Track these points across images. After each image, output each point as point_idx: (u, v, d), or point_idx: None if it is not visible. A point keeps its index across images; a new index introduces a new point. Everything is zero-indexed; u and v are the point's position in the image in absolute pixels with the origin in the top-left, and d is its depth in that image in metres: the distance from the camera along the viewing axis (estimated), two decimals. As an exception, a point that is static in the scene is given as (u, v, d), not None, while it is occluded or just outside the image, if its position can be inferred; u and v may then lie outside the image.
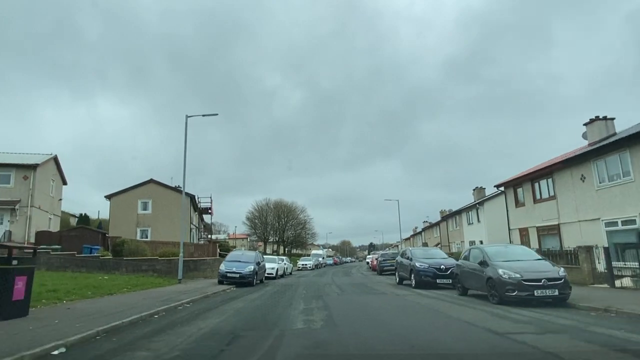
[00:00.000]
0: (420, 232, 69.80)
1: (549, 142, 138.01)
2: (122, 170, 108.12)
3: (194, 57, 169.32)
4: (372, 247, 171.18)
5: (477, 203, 35.49)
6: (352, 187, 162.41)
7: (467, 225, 38.25)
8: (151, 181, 34.69)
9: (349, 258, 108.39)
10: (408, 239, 79.04)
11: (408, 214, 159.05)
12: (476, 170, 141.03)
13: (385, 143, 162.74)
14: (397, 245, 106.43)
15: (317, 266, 46.18)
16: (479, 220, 35.13)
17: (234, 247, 64.26)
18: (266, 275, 22.38)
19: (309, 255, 60.03)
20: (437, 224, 55.95)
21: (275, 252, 70.49)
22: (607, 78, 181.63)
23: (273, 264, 25.52)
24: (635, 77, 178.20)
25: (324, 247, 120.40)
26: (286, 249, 79.94)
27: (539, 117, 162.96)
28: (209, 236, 49.24)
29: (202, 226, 45.68)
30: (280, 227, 76.79)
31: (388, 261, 28.06)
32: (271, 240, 78.94)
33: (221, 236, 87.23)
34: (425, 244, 56.37)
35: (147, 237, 32.16)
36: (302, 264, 42.29)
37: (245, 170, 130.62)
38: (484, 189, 43.83)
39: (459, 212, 42.02)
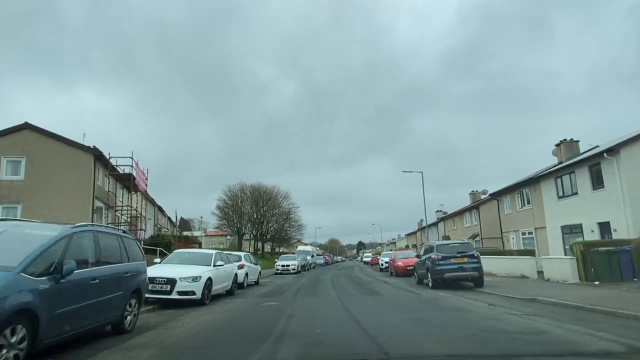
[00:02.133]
0: (434, 224, 56.69)
1: (543, 141, 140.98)
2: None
3: (182, 44, 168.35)
4: (361, 246, 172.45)
5: (606, 150, 19.28)
6: (342, 185, 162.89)
7: (557, 200, 24.16)
8: (26, 127, 22.03)
9: (339, 257, 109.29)
10: (414, 233, 74.44)
11: (398, 214, 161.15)
12: (469, 168, 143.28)
13: (378, 140, 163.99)
14: (394, 243, 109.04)
15: (304, 267, 34.26)
16: (599, 185, 20.29)
17: (199, 245, 53.76)
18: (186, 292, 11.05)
19: (293, 253, 45.33)
20: (469, 209, 43.82)
21: (258, 252, 62.86)
22: (606, 73, 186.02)
23: (196, 269, 11.72)
24: (635, 71, 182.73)
25: (312, 245, 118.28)
26: (264, 246, 68.49)
27: (535, 114, 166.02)
28: (159, 228, 42.17)
29: (136, 209, 28.59)
30: (258, 218, 62.51)
31: (448, 261, 15.46)
32: (248, 235, 65.80)
33: (197, 233, 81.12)
34: (446, 237, 46.42)
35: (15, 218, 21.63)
36: (282, 266, 29.15)
37: (234, 167, 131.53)
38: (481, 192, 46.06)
39: (529, 183, 28.24)
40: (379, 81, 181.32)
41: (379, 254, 65.44)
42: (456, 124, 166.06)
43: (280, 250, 71.28)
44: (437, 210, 69.42)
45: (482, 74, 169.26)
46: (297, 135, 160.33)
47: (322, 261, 59.68)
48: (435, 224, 56.13)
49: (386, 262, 29.78)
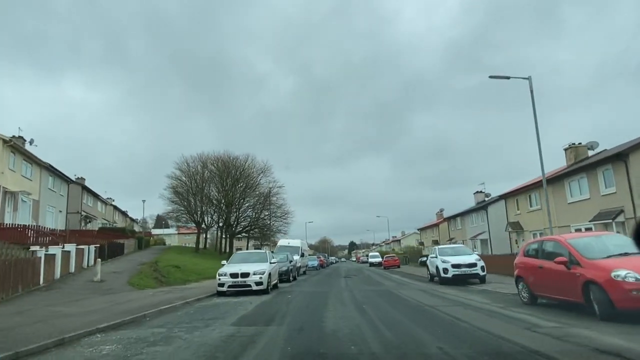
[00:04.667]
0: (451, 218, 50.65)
1: (545, 138, 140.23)
2: (91, 163, 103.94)
3: (176, 31, 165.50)
4: (353, 247, 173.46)
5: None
6: (336, 185, 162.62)
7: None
8: None
9: (333, 258, 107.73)
10: (431, 227, 65.23)
11: (394, 213, 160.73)
12: (467, 168, 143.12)
13: (377, 138, 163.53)
14: (389, 243, 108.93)
15: (287, 274, 22.16)
16: None
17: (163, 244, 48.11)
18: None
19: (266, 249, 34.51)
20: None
21: (223, 252, 46.47)
22: (613, 68, 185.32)
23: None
24: None
25: (301, 240, 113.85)
26: (232, 241, 49.70)
27: (538, 111, 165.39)
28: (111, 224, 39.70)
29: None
30: (226, 201, 45.61)
31: None
32: (214, 227, 49.85)
33: (168, 231, 74.78)
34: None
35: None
36: (233, 275, 15.00)
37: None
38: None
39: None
40: (379, 75, 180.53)
41: (385, 254, 62.02)
42: (456, 120, 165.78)
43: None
44: (438, 212, 68.68)
45: (486, 67, 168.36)
46: (294, 132, 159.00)
47: (315, 263, 43.88)
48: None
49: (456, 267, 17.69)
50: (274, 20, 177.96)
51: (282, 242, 35.61)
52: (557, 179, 25.72)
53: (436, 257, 19.13)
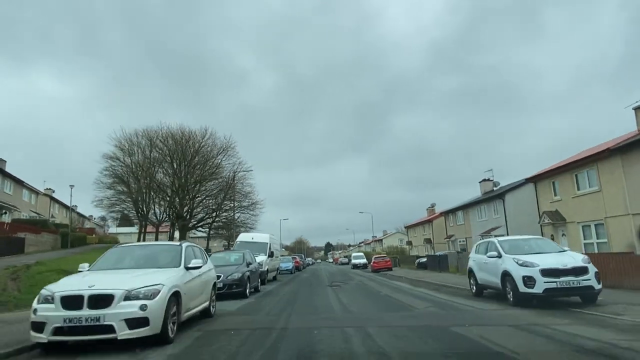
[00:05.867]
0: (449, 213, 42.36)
1: (522, 142, 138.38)
2: (61, 163, 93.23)
3: (153, 20, 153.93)
4: (329, 248, 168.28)
5: None
6: (314, 185, 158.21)
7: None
8: None
9: (309, 259, 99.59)
10: (421, 224, 57.33)
11: (368, 216, 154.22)
12: (445, 170, 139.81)
13: (357, 139, 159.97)
14: (369, 244, 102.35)
15: (239, 285, 13.67)
16: None
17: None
18: None
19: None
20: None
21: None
22: (590, 72, 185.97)
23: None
24: (617, 71, 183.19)
25: (271, 236, 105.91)
26: (184, 236, 37.71)
27: (517, 113, 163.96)
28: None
29: None
30: (177, 187, 36.47)
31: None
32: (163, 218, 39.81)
33: (133, 230, 62.42)
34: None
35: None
36: (55, 317, 5.59)
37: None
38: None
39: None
40: (362, 75, 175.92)
41: (370, 254, 53.99)
42: (437, 122, 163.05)
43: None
44: (429, 207, 61.37)
45: (468, 69, 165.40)
46: (274, 131, 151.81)
47: (290, 265, 36.60)
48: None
49: (550, 273, 9.46)
50: (258, 11, 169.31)
51: (243, 236, 24.46)
52: (635, 146, 18.15)
53: (499, 256, 10.97)
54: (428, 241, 52.58)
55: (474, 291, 12.90)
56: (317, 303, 12.47)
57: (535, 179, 26.64)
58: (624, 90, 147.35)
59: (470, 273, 13.09)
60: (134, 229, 69.19)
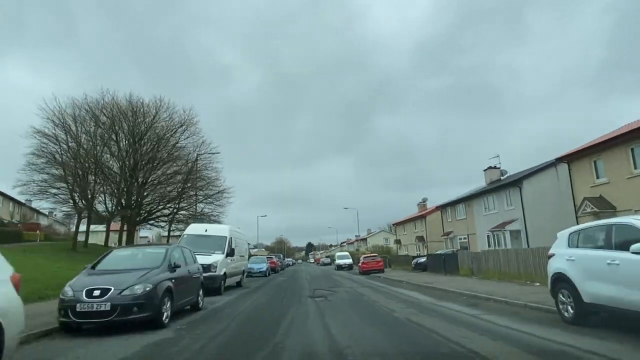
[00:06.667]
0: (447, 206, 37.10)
1: (503, 144, 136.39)
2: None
3: (132, 11, 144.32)
4: (311, 248, 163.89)
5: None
6: (295, 185, 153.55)
7: None
8: None
9: (290, 259, 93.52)
10: (412, 220, 51.88)
11: (354, 215, 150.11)
12: (427, 170, 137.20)
13: (341, 139, 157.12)
14: (352, 243, 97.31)
15: (149, 307, 7.30)
16: None
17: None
18: None
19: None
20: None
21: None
22: (572, 76, 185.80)
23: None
24: (598, 75, 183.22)
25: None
26: (132, 231, 32.64)
27: (500, 116, 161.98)
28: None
29: None
30: (125, 170, 30.19)
31: None
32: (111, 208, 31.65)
33: (100, 228, 54.83)
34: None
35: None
36: None
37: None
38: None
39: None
40: (347, 74, 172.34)
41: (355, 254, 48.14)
42: (421, 123, 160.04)
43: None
44: (421, 202, 56.12)
45: (453, 70, 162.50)
46: (257, 130, 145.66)
47: (263, 267, 30.88)
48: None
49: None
50: (243, 8, 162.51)
51: (193, 228, 17.72)
52: None
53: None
54: (421, 239, 47.30)
55: (569, 315, 7.23)
56: (287, 342, 6.53)
57: (569, 159, 21.38)
58: (602, 94, 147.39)
59: (561, 282, 7.40)
60: (102, 227, 61.54)
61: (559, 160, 22.15)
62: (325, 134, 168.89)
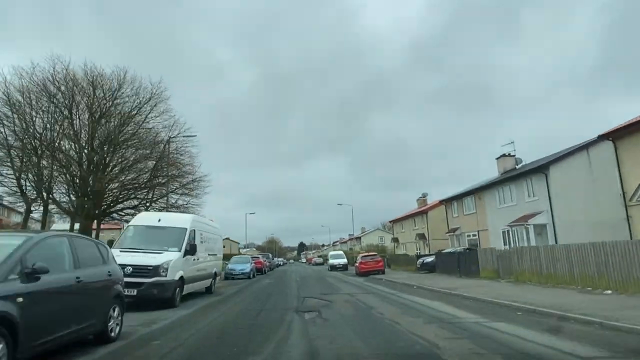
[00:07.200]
0: (453, 200, 33.85)
1: (494, 143, 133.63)
2: None
3: (123, 4, 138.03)
4: (303, 248, 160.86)
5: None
6: (288, 185, 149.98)
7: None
8: None
9: (280, 259, 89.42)
10: (416, 214, 46.10)
11: (346, 215, 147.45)
12: (421, 170, 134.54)
13: (334, 138, 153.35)
14: (345, 242, 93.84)
15: None
16: None
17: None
18: None
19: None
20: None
21: None
22: (564, 76, 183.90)
23: None
24: (591, 76, 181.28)
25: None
26: (89, 226, 25.16)
27: (493, 115, 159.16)
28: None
29: None
30: (81, 153, 24.64)
31: None
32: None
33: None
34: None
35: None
36: None
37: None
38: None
39: None
40: (341, 72, 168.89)
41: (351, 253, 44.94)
42: (414, 122, 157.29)
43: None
44: (420, 197, 52.36)
45: (447, 69, 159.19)
46: (249, 128, 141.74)
47: (246, 268, 27.38)
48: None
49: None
50: (234, 7, 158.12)
51: (141, 218, 13.51)
52: None
53: None
54: (422, 237, 43.44)
55: None
56: None
57: (615, 135, 17.44)
58: (595, 94, 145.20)
59: None
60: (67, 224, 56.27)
61: (602, 137, 18.19)
62: (318, 133, 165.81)
